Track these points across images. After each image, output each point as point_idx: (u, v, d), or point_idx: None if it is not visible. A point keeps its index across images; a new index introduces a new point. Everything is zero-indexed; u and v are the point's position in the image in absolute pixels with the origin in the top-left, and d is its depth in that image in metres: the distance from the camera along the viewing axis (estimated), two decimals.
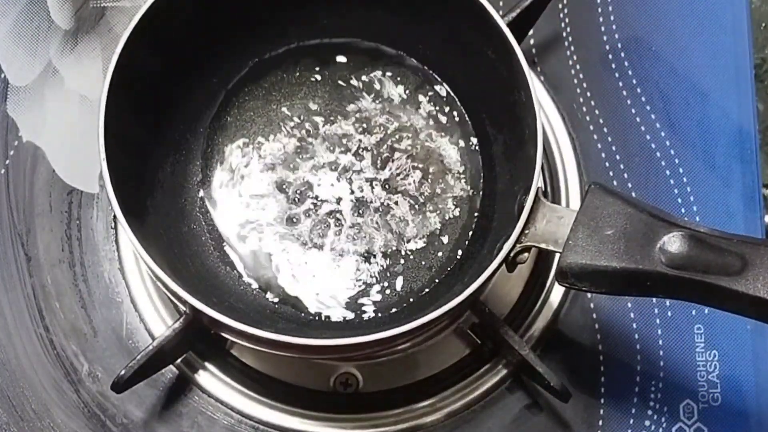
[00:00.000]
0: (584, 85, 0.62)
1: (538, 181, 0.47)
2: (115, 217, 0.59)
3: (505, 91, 0.52)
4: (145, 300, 0.57)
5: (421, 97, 0.58)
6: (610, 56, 0.62)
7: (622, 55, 0.62)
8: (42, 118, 0.61)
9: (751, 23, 0.63)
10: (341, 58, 0.59)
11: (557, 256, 0.46)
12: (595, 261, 0.45)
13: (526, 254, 0.48)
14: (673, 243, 0.44)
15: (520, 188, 0.50)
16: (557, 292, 0.57)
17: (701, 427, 0.54)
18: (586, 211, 0.46)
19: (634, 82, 0.61)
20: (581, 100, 0.61)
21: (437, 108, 0.58)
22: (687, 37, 0.63)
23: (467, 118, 0.58)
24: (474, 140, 0.57)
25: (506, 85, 0.52)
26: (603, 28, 0.63)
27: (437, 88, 0.58)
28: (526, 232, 0.47)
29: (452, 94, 0.58)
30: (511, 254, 0.47)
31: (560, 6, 0.64)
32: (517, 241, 0.47)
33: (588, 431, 0.54)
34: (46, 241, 0.58)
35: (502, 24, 0.51)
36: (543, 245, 0.47)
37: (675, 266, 0.44)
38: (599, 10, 0.63)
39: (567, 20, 0.63)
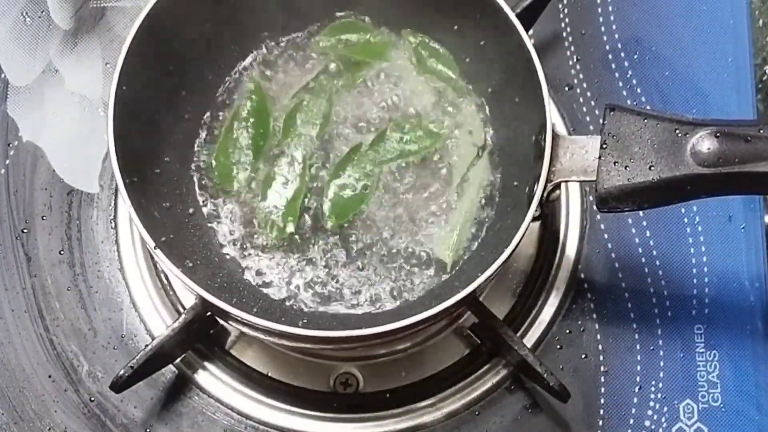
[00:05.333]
0: (584, 85, 0.62)
1: (551, 117, 0.48)
2: (115, 217, 0.59)
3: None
4: (145, 300, 0.57)
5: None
6: (610, 56, 0.62)
7: (622, 55, 0.62)
8: (42, 118, 0.61)
9: (751, 23, 0.63)
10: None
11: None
12: (632, 180, 0.46)
13: (557, 192, 0.48)
14: (702, 143, 0.45)
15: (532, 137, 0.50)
16: (557, 293, 0.57)
17: (701, 427, 0.54)
18: (609, 134, 0.47)
19: (634, 82, 0.61)
20: (581, 100, 0.61)
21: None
22: (687, 37, 0.63)
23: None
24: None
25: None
26: (603, 28, 0.63)
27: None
28: (553, 169, 0.47)
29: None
30: (544, 194, 0.47)
31: (560, 6, 0.64)
32: (547, 179, 0.47)
33: (588, 431, 0.54)
34: (46, 241, 0.58)
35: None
36: (574, 178, 0.47)
37: (711, 164, 0.44)
38: (599, 10, 0.63)
39: (567, 20, 0.63)
